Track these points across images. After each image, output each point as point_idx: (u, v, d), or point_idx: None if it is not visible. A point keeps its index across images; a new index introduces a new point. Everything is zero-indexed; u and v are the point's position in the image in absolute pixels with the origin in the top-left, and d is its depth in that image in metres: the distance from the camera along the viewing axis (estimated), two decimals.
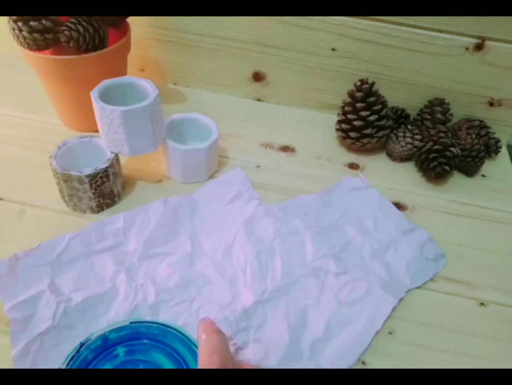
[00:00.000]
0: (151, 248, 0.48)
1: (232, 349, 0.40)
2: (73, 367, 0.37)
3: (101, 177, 0.49)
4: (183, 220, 0.51)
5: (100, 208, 0.52)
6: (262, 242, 0.49)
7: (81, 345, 0.39)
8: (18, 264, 0.45)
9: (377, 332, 0.43)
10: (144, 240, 0.48)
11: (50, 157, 0.49)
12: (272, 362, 0.40)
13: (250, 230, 0.50)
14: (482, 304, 0.48)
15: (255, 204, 0.54)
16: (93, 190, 0.49)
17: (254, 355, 0.40)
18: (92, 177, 0.48)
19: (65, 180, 0.48)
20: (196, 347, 0.39)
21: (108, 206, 0.53)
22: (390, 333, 0.44)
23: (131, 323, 0.41)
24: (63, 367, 0.37)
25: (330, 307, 0.44)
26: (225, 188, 0.55)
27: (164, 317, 0.42)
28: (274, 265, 0.47)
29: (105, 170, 0.49)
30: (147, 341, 0.40)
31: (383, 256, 0.50)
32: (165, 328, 0.40)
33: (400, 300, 0.46)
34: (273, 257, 0.48)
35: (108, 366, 0.38)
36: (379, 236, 0.52)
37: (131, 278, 0.45)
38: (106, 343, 0.39)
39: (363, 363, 0.42)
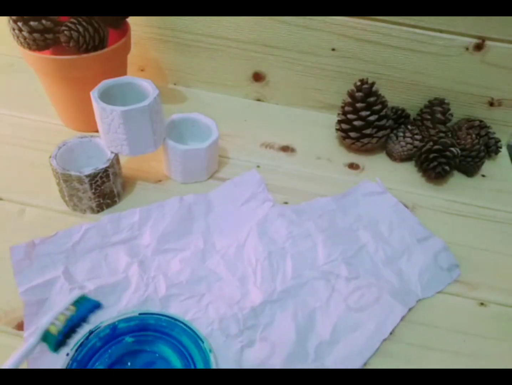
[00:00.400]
0: (164, 243, 0.49)
1: (238, 346, 0.41)
2: (81, 354, 0.38)
3: (101, 177, 0.49)
4: (197, 218, 0.52)
5: (100, 208, 0.52)
6: (274, 243, 0.50)
7: (90, 332, 0.39)
8: (34, 250, 0.46)
9: (384, 339, 0.43)
10: (158, 235, 0.49)
11: (50, 157, 0.49)
12: (277, 361, 0.40)
13: (262, 231, 0.51)
14: (482, 304, 0.48)
15: (269, 205, 0.54)
16: (93, 190, 0.49)
17: (260, 354, 0.41)
18: (92, 177, 0.48)
19: (65, 180, 0.48)
20: (203, 342, 0.39)
21: (108, 206, 0.53)
22: (390, 333, 0.44)
23: (140, 314, 0.41)
24: (72, 353, 0.37)
25: (338, 311, 0.45)
26: (240, 189, 0.56)
27: (173, 310, 0.43)
28: (284, 266, 0.48)
29: (105, 170, 0.49)
30: (154, 333, 0.40)
31: (396, 263, 0.50)
32: (173, 321, 0.41)
33: (410, 309, 0.46)
34: (284, 258, 0.49)
35: (115, 351, 0.39)
36: (393, 242, 0.52)
37: (143, 271, 0.46)
38: (114, 332, 0.40)
39: (364, 363, 0.42)
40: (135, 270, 0.46)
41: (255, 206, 0.54)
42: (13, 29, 0.52)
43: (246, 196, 0.55)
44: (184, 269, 0.47)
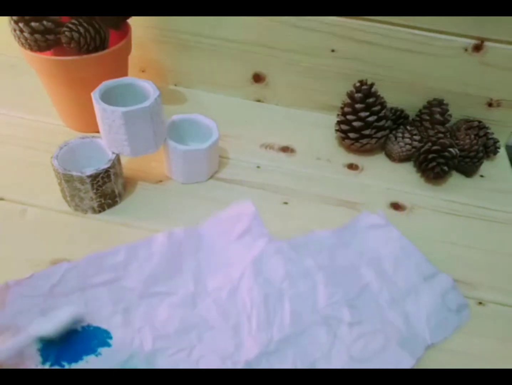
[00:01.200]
0: (151, 285, 0.45)
1: None
2: None
3: (102, 178, 0.49)
4: (187, 255, 0.48)
5: (101, 208, 0.52)
6: (270, 284, 0.46)
7: None
8: (8, 293, 0.42)
9: None
10: (145, 277, 0.45)
11: (51, 157, 0.49)
12: None
13: (258, 270, 0.47)
14: (481, 303, 0.48)
15: (265, 241, 0.50)
16: (94, 190, 0.50)
17: None
18: (94, 178, 0.49)
19: (67, 180, 0.49)
20: None
21: (110, 206, 0.53)
22: None
23: None
24: None
25: (341, 363, 0.41)
26: (233, 222, 0.52)
27: (161, 366, 0.39)
28: (282, 311, 0.44)
29: (107, 171, 0.49)
30: None
31: (402, 305, 0.46)
32: None
33: (418, 359, 0.42)
34: (282, 301, 0.45)
35: None
36: (398, 281, 0.48)
37: (127, 322, 0.42)
38: None
39: None
40: (118, 321, 0.42)
41: (250, 241, 0.50)
42: (14, 30, 0.52)
43: (240, 230, 0.51)
44: (172, 317, 0.43)
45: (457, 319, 0.46)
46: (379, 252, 0.51)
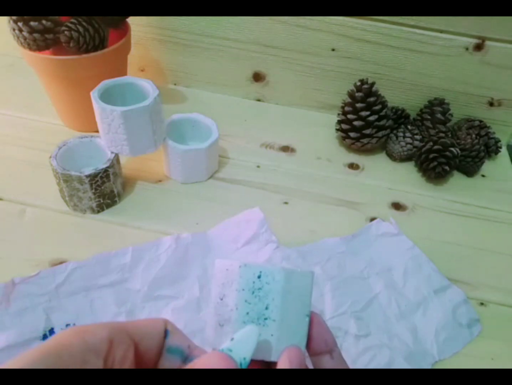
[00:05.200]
0: (156, 289, 0.45)
1: None
2: None
3: (101, 177, 0.49)
4: (194, 260, 0.48)
5: (100, 208, 0.52)
6: None
7: None
8: (14, 290, 0.42)
9: None
10: (150, 280, 0.45)
11: (50, 157, 0.49)
12: None
13: None
14: (482, 304, 0.48)
15: (272, 247, 0.49)
16: (93, 190, 0.50)
17: None
18: (93, 177, 0.49)
19: (65, 180, 0.48)
20: None
21: (109, 206, 0.53)
22: None
23: None
24: None
25: None
26: (241, 229, 0.51)
27: None
28: None
29: (105, 170, 0.49)
30: None
31: (410, 318, 0.45)
32: None
33: None
34: None
35: None
36: (407, 293, 0.47)
37: None
38: None
39: None
40: None
41: (257, 247, 0.50)
42: (13, 29, 0.52)
43: (247, 236, 0.50)
44: (176, 321, 0.41)
45: (468, 334, 0.45)
46: (390, 262, 0.50)
